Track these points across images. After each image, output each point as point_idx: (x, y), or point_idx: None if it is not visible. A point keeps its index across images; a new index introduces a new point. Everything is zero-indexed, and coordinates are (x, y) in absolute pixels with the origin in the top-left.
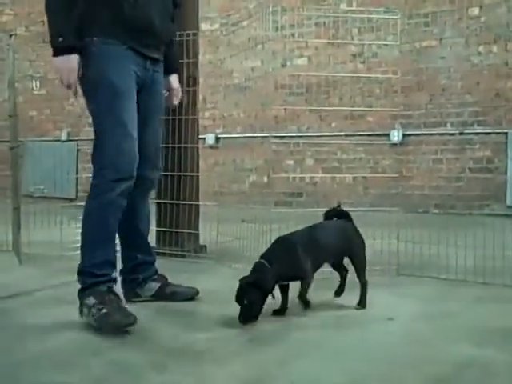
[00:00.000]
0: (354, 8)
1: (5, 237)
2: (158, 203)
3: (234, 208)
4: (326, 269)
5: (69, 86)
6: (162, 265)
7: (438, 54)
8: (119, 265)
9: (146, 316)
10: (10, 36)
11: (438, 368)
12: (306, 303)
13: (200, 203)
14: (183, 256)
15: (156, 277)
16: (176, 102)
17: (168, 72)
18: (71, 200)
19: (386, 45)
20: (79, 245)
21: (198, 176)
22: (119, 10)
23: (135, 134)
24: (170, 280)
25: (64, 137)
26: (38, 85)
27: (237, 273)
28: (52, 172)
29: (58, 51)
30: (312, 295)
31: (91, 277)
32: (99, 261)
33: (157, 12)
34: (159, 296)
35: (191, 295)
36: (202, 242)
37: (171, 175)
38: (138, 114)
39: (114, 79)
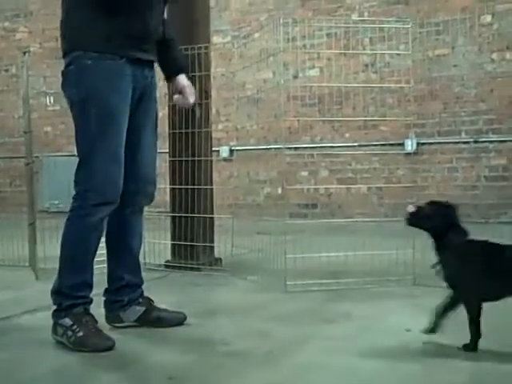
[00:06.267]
0: (365, 18)
1: (21, 252)
2: (173, 217)
3: (249, 220)
4: (342, 280)
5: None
6: (177, 278)
7: (451, 62)
8: (104, 284)
9: (159, 329)
10: (24, 53)
11: (459, 378)
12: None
13: (215, 216)
14: (198, 269)
15: (141, 300)
16: (192, 99)
17: (176, 73)
18: None
19: (399, 54)
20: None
21: (212, 189)
22: (118, 20)
23: (123, 157)
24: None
25: None
26: (52, 100)
27: (252, 285)
28: (67, 187)
29: None
30: (331, 306)
31: (68, 298)
32: (77, 282)
33: (151, 14)
34: (143, 321)
35: (178, 321)
36: (217, 254)
37: (185, 188)
38: (136, 123)
39: (110, 98)
